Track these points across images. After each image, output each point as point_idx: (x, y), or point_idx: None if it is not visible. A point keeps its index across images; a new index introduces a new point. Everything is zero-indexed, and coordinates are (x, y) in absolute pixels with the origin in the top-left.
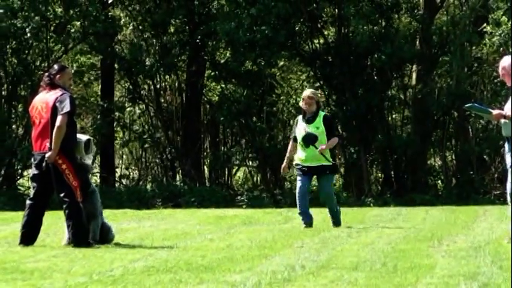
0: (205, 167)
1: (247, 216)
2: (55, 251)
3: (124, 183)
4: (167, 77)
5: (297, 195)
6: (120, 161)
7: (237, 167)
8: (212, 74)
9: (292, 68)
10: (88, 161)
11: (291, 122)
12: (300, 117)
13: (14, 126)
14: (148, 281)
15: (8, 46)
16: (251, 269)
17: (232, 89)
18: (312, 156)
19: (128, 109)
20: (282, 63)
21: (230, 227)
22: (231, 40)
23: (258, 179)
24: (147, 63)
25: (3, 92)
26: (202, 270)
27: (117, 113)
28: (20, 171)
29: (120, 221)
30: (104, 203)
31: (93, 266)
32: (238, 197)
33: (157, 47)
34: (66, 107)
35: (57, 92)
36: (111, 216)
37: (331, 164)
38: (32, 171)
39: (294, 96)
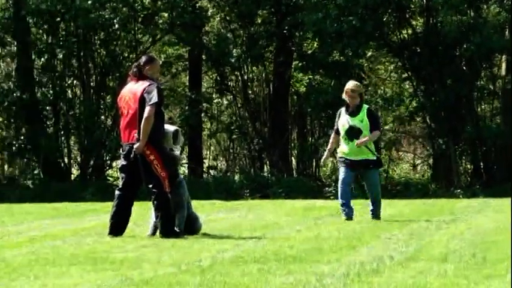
0: (292, 158)
1: (335, 208)
2: (144, 241)
3: (212, 174)
4: (254, 68)
5: (339, 186)
6: (208, 152)
7: None
8: (299, 64)
9: (380, 58)
10: (176, 151)
11: (379, 113)
12: (342, 109)
13: (102, 117)
14: (236, 271)
15: (96, 37)
16: (339, 260)
17: (319, 79)
18: (355, 150)
19: (216, 100)
20: (369, 53)
21: (318, 218)
22: (318, 31)
23: None
24: (234, 54)
25: (92, 84)
26: (290, 260)
27: (204, 104)
28: (108, 162)
29: (208, 211)
30: (192, 194)
31: (181, 256)
32: (326, 188)
33: (244, 38)
34: (154, 98)
35: (144, 83)
36: (199, 207)
37: (375, 157)
38: (121, 161)
39: (382, 87)
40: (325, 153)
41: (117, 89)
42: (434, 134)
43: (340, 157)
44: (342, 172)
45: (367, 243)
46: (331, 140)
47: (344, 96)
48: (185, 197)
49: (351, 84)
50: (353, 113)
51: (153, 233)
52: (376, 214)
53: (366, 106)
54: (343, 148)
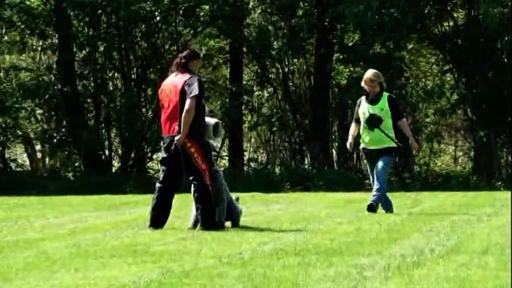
0: (333, 150)
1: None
2: (184, 234)
3: (252, 166)
4: (295, 60)
5: (372, 183)
6: (249, 145)
7: None
8: (340, 57)
9: (421, 51)
10: (215, 143)
11: (420, 105)
12: (363, 98)
13: (143, 109)
14: (277, 264)
15: (137, 30)
16: (380, 253)
17: (360, 72)
18: (376, 139)
19: (256, 92)
20: (411, 46)
21: (359, 211)
22: (359, 23)
23: None
24: (275, 46)
25: (132, 76)
26: (331, 253)
27: (245, 97)
28: (149, 154)
29: (248, 204)
30: (232, 186)
31: (222, 248)
32: (367, 181)
33: (285, 30)
34: (195, 91)
35: (185, 76)
36: (239, 199)
37: (396, 146)
38: (161, 154)
39: (423, 79)
40: (349, 139)
41: (158, 82)
42: (475, 126)
43: (363, 148)
44: (369, 168)
45: (408, 236)
46: (351, 130)
47: (363, 84)
48: (223, 188)
49: (369, 73)
50: (373, 101)
51: (194, 226)
52: (376, 200)
53: (386, 94)
54: (364, 138)
